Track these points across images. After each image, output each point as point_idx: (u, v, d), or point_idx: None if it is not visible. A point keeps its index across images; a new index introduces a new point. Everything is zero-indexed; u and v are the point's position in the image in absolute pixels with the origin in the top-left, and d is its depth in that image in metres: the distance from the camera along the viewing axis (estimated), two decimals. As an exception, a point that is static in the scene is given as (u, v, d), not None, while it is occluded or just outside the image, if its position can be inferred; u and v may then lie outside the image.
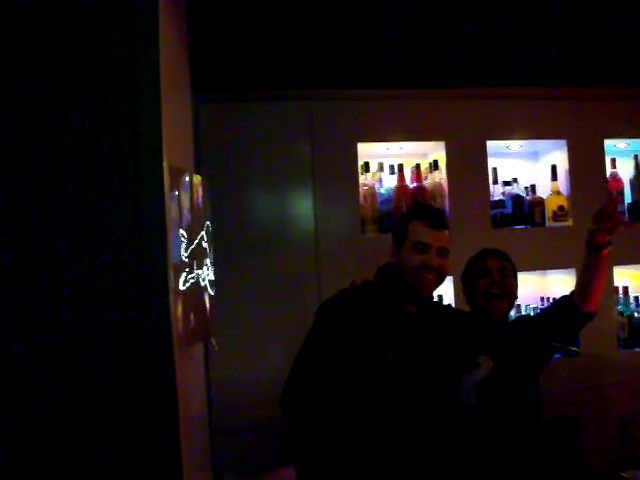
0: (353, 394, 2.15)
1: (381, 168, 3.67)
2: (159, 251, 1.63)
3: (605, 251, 2.36)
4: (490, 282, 2.52)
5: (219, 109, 3.43)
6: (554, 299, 3.51)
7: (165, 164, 1.68)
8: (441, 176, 3.57)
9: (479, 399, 2.35)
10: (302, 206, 3.44)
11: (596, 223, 2.33)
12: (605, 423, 3.32)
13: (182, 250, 1.89)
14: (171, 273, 1.70)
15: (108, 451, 1.62)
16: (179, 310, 1.81)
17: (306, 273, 3.38)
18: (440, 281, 2.29)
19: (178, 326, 1.78)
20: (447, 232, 2.30)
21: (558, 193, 3.67)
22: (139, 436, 1.62)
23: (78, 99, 1.66)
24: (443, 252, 2.25)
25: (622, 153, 3.89)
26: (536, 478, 2.42)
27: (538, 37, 3.35)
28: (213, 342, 2.51)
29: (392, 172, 3.65)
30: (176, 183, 1.84)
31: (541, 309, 3.52)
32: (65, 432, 1.62)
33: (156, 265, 1.63)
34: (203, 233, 2.14)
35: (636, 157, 3.83)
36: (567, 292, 3.58)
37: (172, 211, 1.76)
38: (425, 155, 3.75)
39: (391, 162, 3.68)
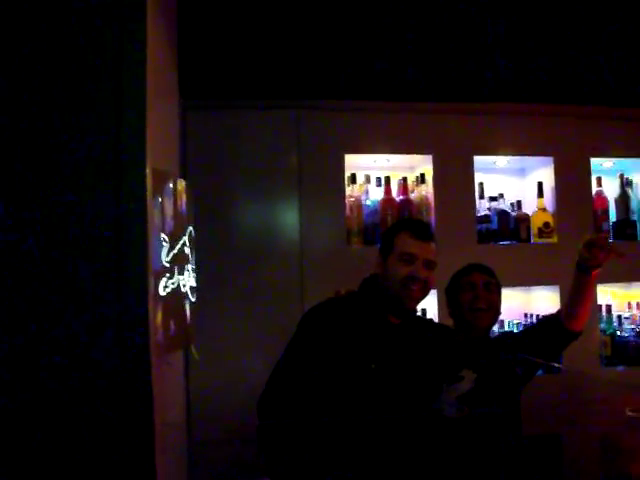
0: (333, 403, 2.13)
1: (368, 180, 3.66)
2: (139, 255, 1.61)
3: (595, 272, 2.36)
4: (475, 297, 2.52)
5: (207, 116, 3.41)
6: (539, 316, 3.52)
7: (148, 168, 1.65)
8: (428, 190, 3.56)
9: (461, 412, 2.33)
10: (288, 216, 3.42)
11: (587, 252, 2.32)
12: (586, 440, 3.31)
13: (163, 255, 1.86)
14: (151, 278, 1.67)
15: (82, 457, 1.58)
16: (158, 316, 1.78)
17: (290, 283, 3.36)
18: (425, 294, 2.27)
19: (157, 332, 1.75)
20: (434, 245, 2.29)
21: (544, 210, 3.68)
22: (113, 443, 1.59)
23: (63, 101, 1.64)
24: (429, 264, 2.24)
25: (608, 172, 3.91)
26: None
27: (527, 54, 3.37)
28: (193, 350, 2.48)
29: (379, 184, 3.64)
30: (159, 187, 1.81)
31: (525, 326, 3.52)
32: (37, 438, 1.58)
33: (136, 269, 1.60)
34: (185, 239, 2.11)
35: (621, 176, 3.85)
36: (551, 308, 3.60)
37: (154, 215, 1.74)
38: (412, 168, 3.75)
39: (378, 174, 3.66)
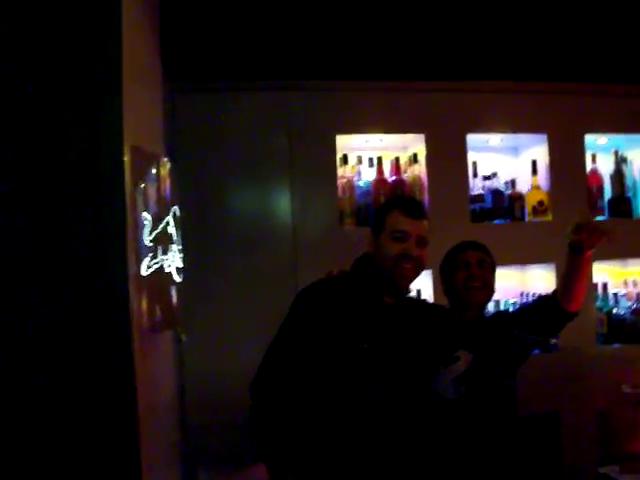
0: (327, 383, 2.11)
1: (360, 161, 3.63)
2: (117, 233, 1.56)
3: (588, 253, 2.32)
4: (469, 275, 2.47)
5: (196, 100, 3.38)
6: (535, 295, 3.50)
7: (127, 145, 1.61)
8: (420, 169, 3.53)
9: (458, 394, 2.31)
10: (280, 198, 3.39)
11: (576, 235, 2.28)
12: (583, 417, 3.31)
13: (146, 234, 1.82)
14: (131, 257, 1.63)
15: (64, 441, 1.55)
16: (140, 296, 1.74)
17: (284, 266, 3.34)
18: (418, 272, 2.24)
19: (139, 313, 1.71)
20: (426, 222, 2.26)
21: (538, 188, 3.65)
22: (96, 427, 1.56)
23: (38, 79, 1.59)
24: (422, 241, 2.21)
25: (602, 149, 3.88)
26: (514, 473, 2.39)
27: (520, 31, 3.32)
28: (180, 332, 2.45)
29: (371, 165, 3.60)
30: (140, 165, 1.77)
31: (521, 305, 3.50)
32: (17, 423, 1.55)
33: (115, 248, 1.56)
34: (169, 218, 2.06)
35: (616, 153, 3.82)
36: (547, 287, 3.59)
37: (133, 192, 1.69)
38: (405, 148, 3.71)
39: (370, 155, 3.63)
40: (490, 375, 2.38)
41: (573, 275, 2.38)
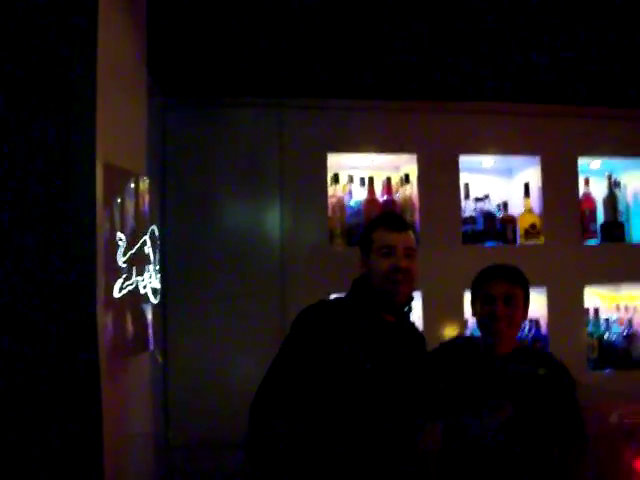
0: (330, 406, 2.06)
1: (351, 180, 3.60)
2: (87, 253, 1.51)
3: None
4: (493, 313, 2.27)
5: (187, 115, 3.37)
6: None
7: (99, 163, 1.57)
8: (412, 190, 3.50)
9: (498, 442, 2.22)
10: (269, 215, 3.36)
11: None
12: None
13: (119, 255, 1.77)
14: (101, 279, 1.58)
15: (29, 466, 1.50)
16: (110, 319, 1.69)
17: (271, 284, 3.31)
18: (411, 284, 2.22)
19: (107, 335, 1.66)
20: (411, 233, 2.27)
21: (530, 211, 3.62)
22: (60, 453, 1.50)
23: (10, 89, 1.55)
24: (409, 253, 2.21)
25: (596, 172, 3.86)
26: None
27: (514, 52, 3.30)
28: (156, 354, 2.39)
29: (362, 184, 3.58)
30: (116, 183, 1.73)
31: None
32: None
33: (84, 269, 1.51)
34: (146, 238, 2.01)
35: (609, 177, 3.80)
36: (538, 310, 3.55)
37: (109, 213, 1.64)
38: (397, 168, 3.68)
39: (362, 174, 3.60)
40: (531, 426, 2.27)
41: None
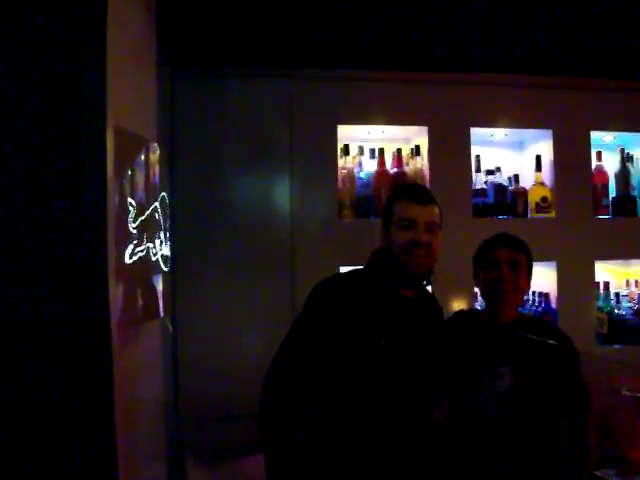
0: (342, 383, 2.05)
1: (361, 152, 3.56)
2: (97, 217, 1.49)
3: None
4: (498, 278, 2.31)
5: (196, 85, 3.32)
6: (536, 294, 3.46)
7: (110, 126, 1.54)
8: (423, 162, 3.47)
9: (500, 411, 2.23)
10: (278, 187, 3.33)
11: None
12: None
13: (130, 220, 1.75)
14: (112, 244, 1.56)
15: (38, 433, 1.50)
16: (121, 284, 1.67)
17: (281, 257, 3.28)
18: (431, 259, 2.16)
19: (118, 301, 1.64)
20: (435, 208, 2.20)
21: (542, 184, 3.59)
22: (71, 420, 1.50)
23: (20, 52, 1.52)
24: (432, 228, 2.15)
25: (608, 147, 3.82)
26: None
27: (528, 23, 3.25)
28: (167, 323, 2.39)
29: (372, 156, 3.54)
30: (127, 148, 1.71)
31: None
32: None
33: (94, 233, 1.49)
34: (157, 204, 2.00)
35: (622, 151, 3.75)
36: (548, 284, 3.53)
37: (116, 177, 1.62)
38: (407, 140, 3.65)
39: (372, 146, 3.57)
40: (534, 394, 2.27)
41: None
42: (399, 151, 3.52)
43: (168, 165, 3.09)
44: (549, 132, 3.60)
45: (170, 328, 2.49)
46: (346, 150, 3.48)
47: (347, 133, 3.48)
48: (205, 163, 3.27)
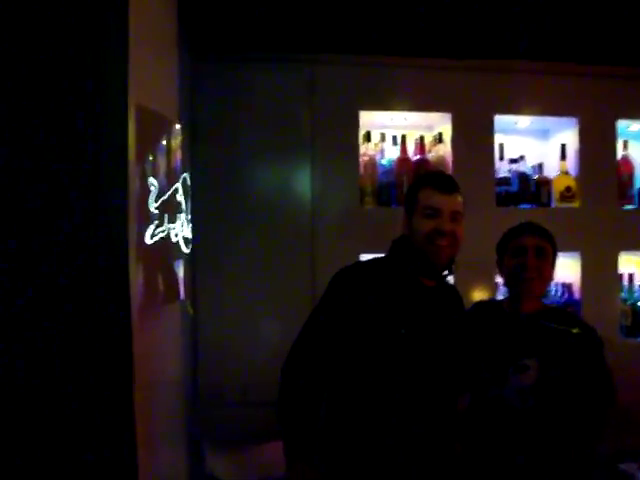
0: (361, 370, 2.03)
1: (383, 138, 3.53)
2: (119, 196, 1.47)
3: None
4: (523, 265, 2.28)
5: (218, 70, 3.30)
6: (559, 285, 3.41)
7: (131, 104, 1.52)
8: (445, 149, 3.43)
9: (526, 404, 2.20)
10: (300, 174, 3.31)
11: None
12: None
13: (151, 200, 1.73)
14: (133, 223, 1.54)
15: (58, 415, 1.49)
16: (142, 265, 1.65)
17: (302, 243, 3.27)
18: (455, 248, 2.12)
19: (139, 282, 1.62)
20: (459, 197, 2.15)
21: (566, 173, 3.53)
22: (91, 400, 1.49)
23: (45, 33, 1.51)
24: (456, 217, 2.11)
25: (635, 136, 3.76)
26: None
27: (554, 10, 3.20)
28: (188, 306, 2.37)
29: (395, 143, 3.51)
30: (149, 127, 1.69)
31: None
32: (12, 396, 1.48)
33: (115, 212, 1.46)
34: (178, 185, 1.97)
35: (649, 140, 3.69)
36: (572, 276, 3.48)
37: (138, 155, 1.59)
38: (430, 127, 3.61)
39: (394, 133, 3.53)
40: (560, 387, 2.24)
41: None
42: (422, 138, 3.48)
43: (189, 149, 3.07)
44: (574, 120, 3.54)
45: (190, 311, 2.47)
46: (368, 137, 3.45)
47: (369, 120, 3.45)
48: (226, 148, 3.25)
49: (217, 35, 3.25)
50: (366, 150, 3.42)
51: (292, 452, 2.02)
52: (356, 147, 3.33)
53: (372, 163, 3.40)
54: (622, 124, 3.61)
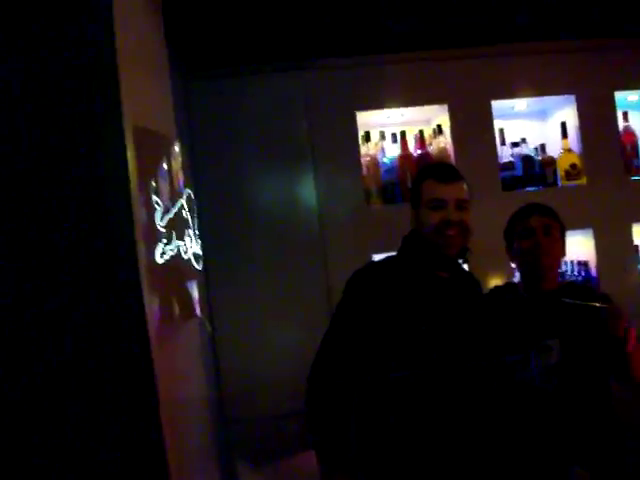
0: (388, 370, 2.01)
1: (383, 137, 3.53)
2: (124, 219, 1.46)
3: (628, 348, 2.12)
4: (534, 244, 2.28)
5: (212, 87, 3.32)
6: (574, 263, 3.39)
7: (127, 124, 1.52)
8: (446, 141, 3.42)
9: (551, 384, 2.18)
10: (303, 181, 3.31)
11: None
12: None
13: (157, 219, 1.73)
14: (141, 244, 1.53)
15: (87, 441, 1.48)
16: (155, 284, 1.65)
17: (312, 249, 3.27)
18: (465, 237, 2.12)
19: (153, 301, 1.62)
20: (464, 184, 2.15)
21: (569, 151, 3.51)
22: (118, 424, 1.48)
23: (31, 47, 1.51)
24: (462, 205, 2.10)
25: (634, 106, 3.72)
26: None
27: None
28: (206, 323, 2.37)
29: (394, 141, 3.50)
30: (146, 145, 1.69)
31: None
32: (37, 425, 1.48)
33: (122, 233, 1.46)
34: (183, 201, 1.97)
35: (649, 109, 3.67)
36: (585, 253, 3.46)
37: (139, 175, 1.59)
38: (428, 121, 3.60)
39: (393, 130, 3.53)
40: (583, 365, 2.22)
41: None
42: (421, 132, 3.48)
43: (190, 167, 3.08)
44: (572, 97, 3.52)
45: (208, 327, 2.47)
46: (367, 137, 3.45)
47: (366, 120, 3.45)
48: (226, 163, 3.27)
49: (207, 52, 3.27)
50: (367, 150, 3.42)
51: (327, 462, 1.99)
52: (356, 148, 3.34)
53: (374, 163, 3.40)
54: (620, 95, 3.58)
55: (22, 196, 1.49)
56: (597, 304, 2.15)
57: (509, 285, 2.55)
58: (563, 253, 2.39)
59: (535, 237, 2.29)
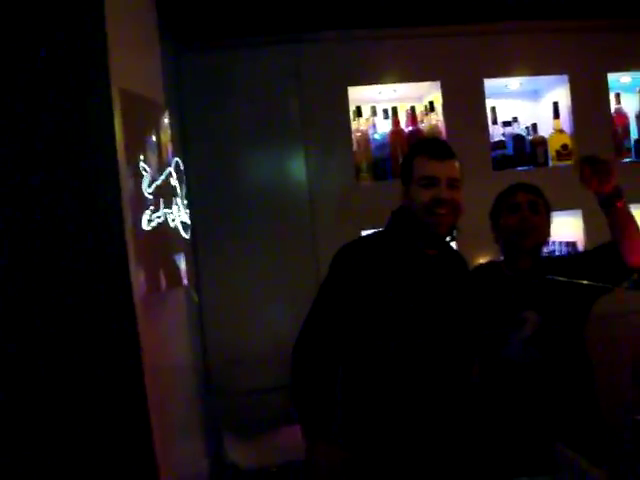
0: (372, 346, 2.02)
1: (374, 112, 3.50)
2: (111, 185, 1.44)
3: (619, 203, 2.14)
4: (520, 219, 2.32)
5: (202, 59, 3.29)
6: (562, 244, 3.39)
7: (115, 87, 1.50)
8: (438, 118, 3.40)
9: (531, 357, 2.20)
10: (293, 156, 3.30)
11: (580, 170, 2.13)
12: (617, 362, 3.19)
13: (144, 186, 1.71)
14: (127, 210, 1.51)
15: (72, 406, 1.48)
16: (141, 251, 1.63)
17: (301, 224, 3.27)
18: (455, 216, 2.10)
19: (139, 268, 1.61)
20: (456, 162, 2.12)
21: (561, 131, 3.50)
22: (103, 391, 1.48)
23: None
24: (453, 184, 2.08)
25: (627, 88, 3.72)
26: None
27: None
28: (193, 293, 2.36)
29: (386, 116, 3.48)
30: (134, 110, 1.66)
31: (576, 252, 3.34)
32: (22, 387, 1.47)
33: (107, 198, 1.44)
34: (171, 169, 1.95)
35: (641, 91, 3.66)
36: (574, 234, 3.47)
37: (126, 141, 1.57)
38: (420, 98, 3.59)
39: (385, 106, 3.51)
40: (560, 334, 2.24)
41: (618, 231, 2.19)
42: (413, 109, 3.46)
43: (180, 138, 3.06)
44: (565, 78, 3.51)
45: (195, 298, 2.46)
46: (359, 112, 3.43)
47: (358, 95, 3.42)
48: (217, 135, 3.25)
49: (198, 23, 3.22)
50: (358, 126, 3.40)
51: (312, 433, 1.99)
52: (347, 124, 3.32)
53: (365, 138, 3.38)
54: (613, 77, 3.58)
55: (6, 162, 1.47)
56: (584, 282, 2.16)
57: (492, 263, 2.56)
58: (548, 232, 2.41)
59: (521, 212, 2.33)
